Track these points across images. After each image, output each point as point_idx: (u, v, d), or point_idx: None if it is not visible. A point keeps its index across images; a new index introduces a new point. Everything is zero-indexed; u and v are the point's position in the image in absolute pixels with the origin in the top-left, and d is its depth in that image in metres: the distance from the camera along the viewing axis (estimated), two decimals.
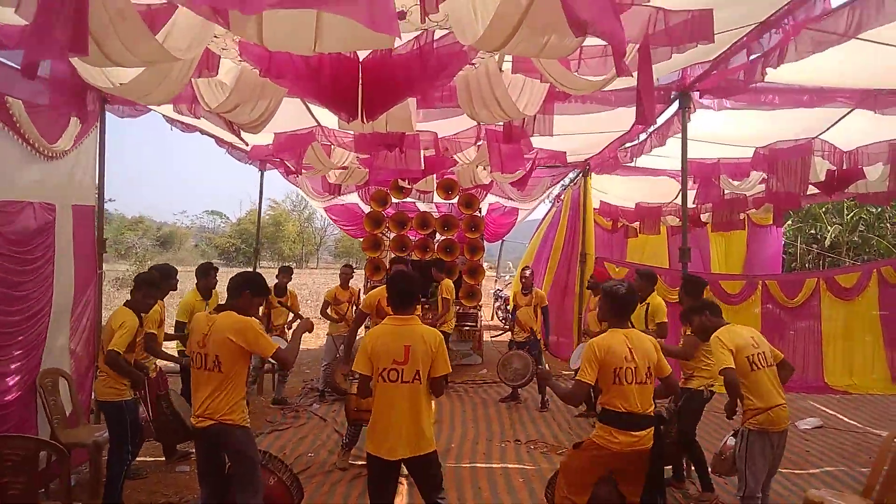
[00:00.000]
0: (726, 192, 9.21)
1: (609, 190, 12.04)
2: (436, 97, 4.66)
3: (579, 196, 10.87)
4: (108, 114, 6.13)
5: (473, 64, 4.12)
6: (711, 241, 13.51)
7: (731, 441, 4.49)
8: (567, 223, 11.89)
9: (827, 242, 20.24)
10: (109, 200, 60.06)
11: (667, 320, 6.43)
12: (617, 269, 10.28)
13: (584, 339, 8.09)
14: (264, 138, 7.73)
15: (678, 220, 12.41)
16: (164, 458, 6.02)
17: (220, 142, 8.66)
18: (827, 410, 8.60)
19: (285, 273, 8.65)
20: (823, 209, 20.31)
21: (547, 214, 14.45)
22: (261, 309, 8.28)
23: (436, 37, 3.55)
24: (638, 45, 3.58)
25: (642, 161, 8.85)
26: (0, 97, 4.64)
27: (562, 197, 12.90)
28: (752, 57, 5.00)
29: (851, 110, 6.30)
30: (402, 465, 3.84)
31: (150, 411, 5.40)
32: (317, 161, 7.42)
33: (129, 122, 6.20)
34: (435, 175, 9.59)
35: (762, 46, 4.91)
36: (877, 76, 5.66)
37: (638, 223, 13.12)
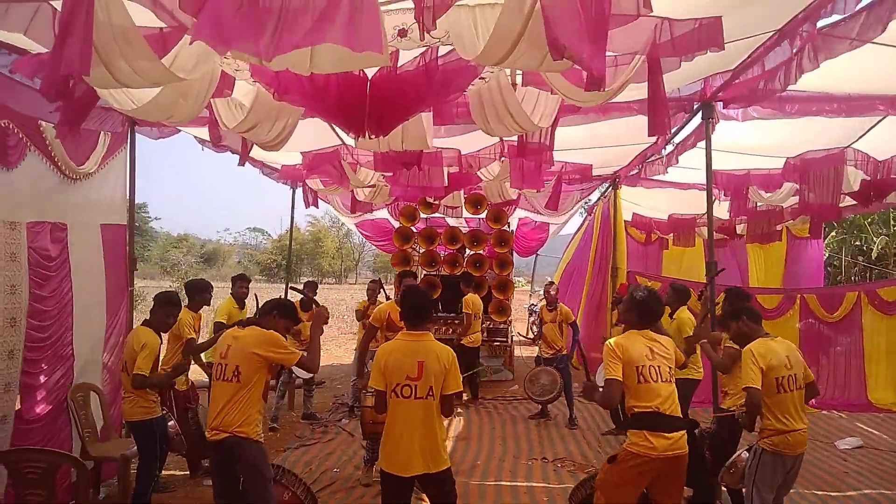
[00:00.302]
0: (759, 204, 8.99)
1: (641, 202, 11.87)
2: (451, 113, 4.70)
3: (609, 209, 10.76)
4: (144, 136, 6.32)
5: (483, 78, 4.14)
6: (749, 254, 13.18)
7: (744, 455, 4.36)
8: (599, 236, 11.77)
9: (874, 254, 19.57)
10: (155, 219, 61.81)
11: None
12: (650, 283, 10.12)
13: None
14: (293, 158, 7.91)
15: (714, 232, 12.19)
16: (188, 473, 6.12)
17: (252, 161, 8.87)
18: (869, 430, 8.30)
19: (310, 287, 8.74)
20: (869, 220, 19.65)
21: (580, 228, 14.35)
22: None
23: (442, 52, 3.60)
24: (645, 56, 3.55)
25: (671, 173, 8.75)
26: (34, 121, 4.87)
27: (594, 210, 12.80)
28: (772, 65, 4.92)
29: (883, 118, 6.11)
30: (417, 482, 3.84)
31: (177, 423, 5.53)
32: (342, 178, 7.52)
33: (174, 144, 6.39)
34: (462, 190, 9.61)
35: (783, 54, 4.84)
36: None
37: (672, 235, 12.89)
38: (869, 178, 7.09)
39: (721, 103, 5.76)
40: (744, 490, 4.26)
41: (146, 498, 4.81)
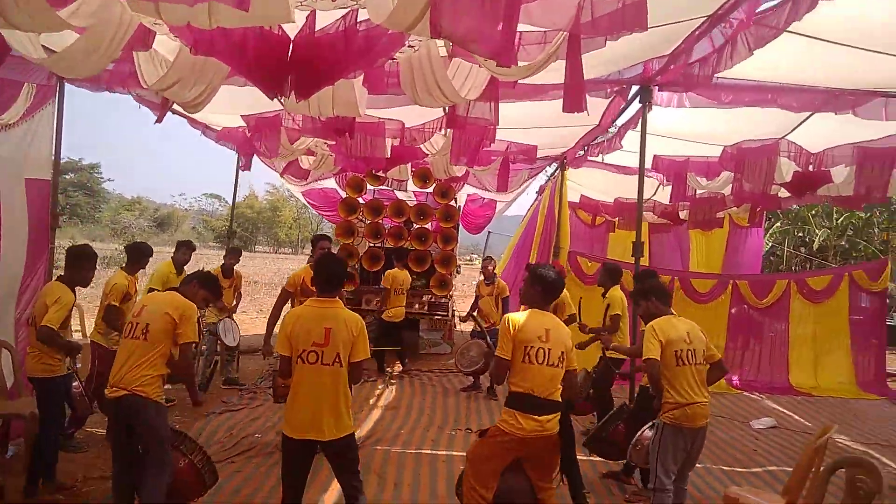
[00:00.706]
0: (699, 191, 9.17)
1: (588, 184, 12.00)
2: (383, 81, 4.64)
3: (556, 189, 10.84)
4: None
5: (413, 47, 4.10)
6: (692, 240, 13.46)
7: (648, 433, 4.50)
8: (545, 216, 11.86)
9: (815, 246, 20.22)
10: (108, 180, 60.31)
11: (620, 313, 6.51)
12: (589, 264, 10.28)
13: None
14: (235, 120, 7.71)
15: (656, 217, 12.42)
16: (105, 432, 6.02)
17: (193, 123, 8.64)
18: (785, 412, 8.62)
19: (233, 255, 8.81)
20: (812, 212, 20.27)
21: (530, 207, 14.44)
22: None
23: (364, 17, 3.53)
24: (566, 34, 3.55)
25: (617, 157, 8.85)
26: None
27: (543, 190, 12.88)
28: (704, 52, 5.00)
29: (812, 114, 6.26)
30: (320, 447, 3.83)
31: (92, 385, 5.44)
32: (282, 147, 7.39)
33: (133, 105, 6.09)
34: (410, 164, 9.55)
35: (715, 41, 4.91)
36: (839, 76, 5.64)
37: (618, 219, 13.09)
38: (801, 170, 7.28)
39: (657, 87, 5.81)
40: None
41: (50, 456, 4.71)
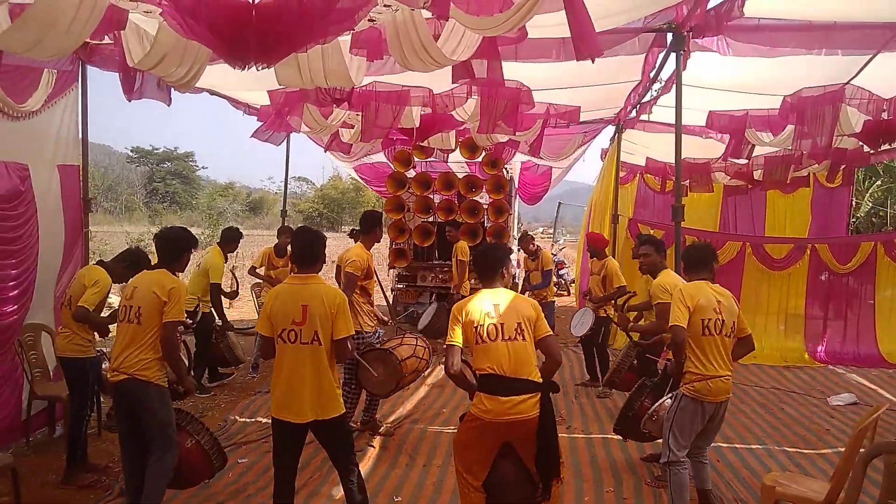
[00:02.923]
0: (762, 148, 8.39)
1: (653, 146, 11.27)
2: (373, 47, 4.38)
3: (610, 154, 10.30)
4: None
5: (389, 6, 3.84)
6: (769, 203, 12.46)
7: (667, 402, 4.14)
8: (603, 183, 11.33)
9: None
10: (202, 168, 63.26)
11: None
12: (652, 231, 9.69)
13: (586, 304, 7.73)
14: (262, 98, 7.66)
15: (728, 177, 11.56)
16: None
17: (234, 103, 8.70)
18: (871, 386, 7.85)
19: (286, 234, 8.52)
20: None
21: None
22: (263, 270, 8.40)
23: None
24: None
25: (666, 115, 8.22)
26: None
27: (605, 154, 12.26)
28: None
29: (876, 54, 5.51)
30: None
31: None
32: (312, 121, 7.30)
33: None
34: (454, 133, 9.25)
35: None
36: None
37: (688, 181, 12.25)
38: (872, 119, 6.47)
39: (688, 33, 5.26)
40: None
41: (79, 436, 4.85)
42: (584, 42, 3.48)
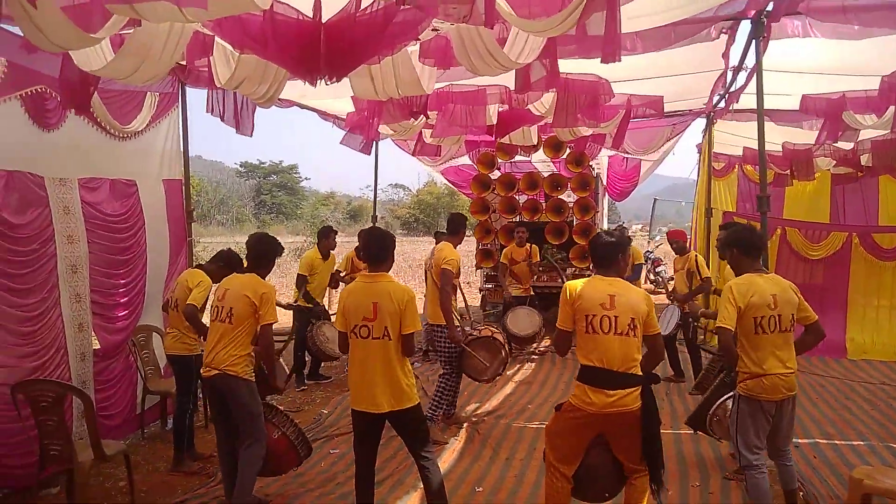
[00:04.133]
0: (863, 132, 7.85)
1: (749, 134, 10.75)
2: (441, 55, 4.52)
3: (704, 146, 9.95)
4: None
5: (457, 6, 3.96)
6: (881, 189, 11.57)
7: (728, 403, 4.01)
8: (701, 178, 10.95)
9: None
10: (305, 179, 65.68)
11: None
12: (748, 223, 9.29)
13: (672, 302, 7.52)
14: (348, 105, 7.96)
15: (834, 163, 10.87)
16: None
17: (322, 115, 9.12)
18: None
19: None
20: None
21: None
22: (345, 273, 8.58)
23: None
24: None
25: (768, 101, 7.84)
26: None
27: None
28: None
29: None
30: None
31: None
32: (395, 124, 7.53)
33: None
34: (537, 129, 9.22)
35: None
36: None
37: (790, 170, 11.61)
38: None
39: (765, 19, 5.05)
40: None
41: (183, 427, 5.27)
42: (608, 49, 3.46)
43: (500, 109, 7.22)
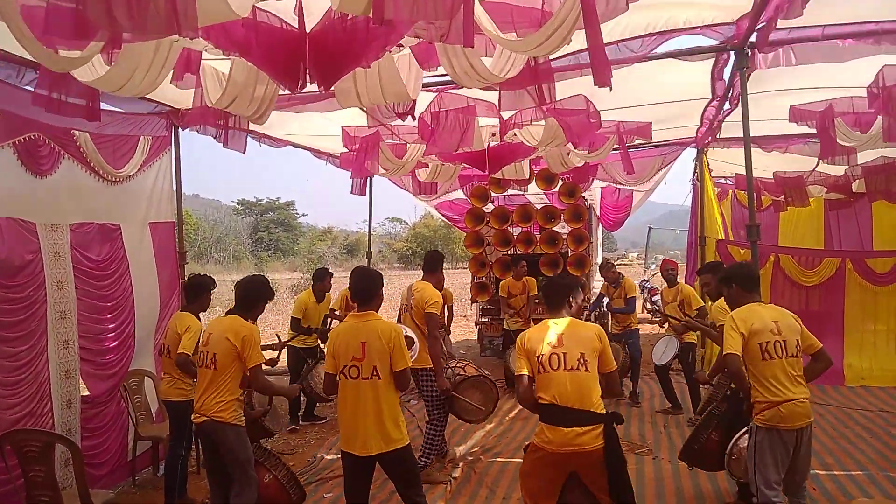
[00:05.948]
0: (846, 144, 7.77)
1: (740, 161, 10.81)
2: (431, 57, 4.53)
3: (697, 175, 10.00)
4: None
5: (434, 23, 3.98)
6: (875, 215, 11.62)
7: (743, 440, 3.93)
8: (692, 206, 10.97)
9: None
10: (302, 215, 65.82)
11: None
12: (742, 252, 9.28)
13: (668, 332, 7.49)
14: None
15: (825, 190, 10.92)
16: None
17: (315, 153, 9.16)
18: None
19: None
20: None
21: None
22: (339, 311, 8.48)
23: None
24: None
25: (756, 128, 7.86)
26: (66, 131, 5.34)
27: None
28: None
29: None
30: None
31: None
32: (387, 162, 7.55)
33: None
34: (529, 163, 9.25)
35: None
36: None
37: (783, 196, 11.66)
38: None
39: (749, 50, 5.11)
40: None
41: (174, 472, 5.15)
42: (601, 75, 3.49)
43: (492, 144, 7.23)
